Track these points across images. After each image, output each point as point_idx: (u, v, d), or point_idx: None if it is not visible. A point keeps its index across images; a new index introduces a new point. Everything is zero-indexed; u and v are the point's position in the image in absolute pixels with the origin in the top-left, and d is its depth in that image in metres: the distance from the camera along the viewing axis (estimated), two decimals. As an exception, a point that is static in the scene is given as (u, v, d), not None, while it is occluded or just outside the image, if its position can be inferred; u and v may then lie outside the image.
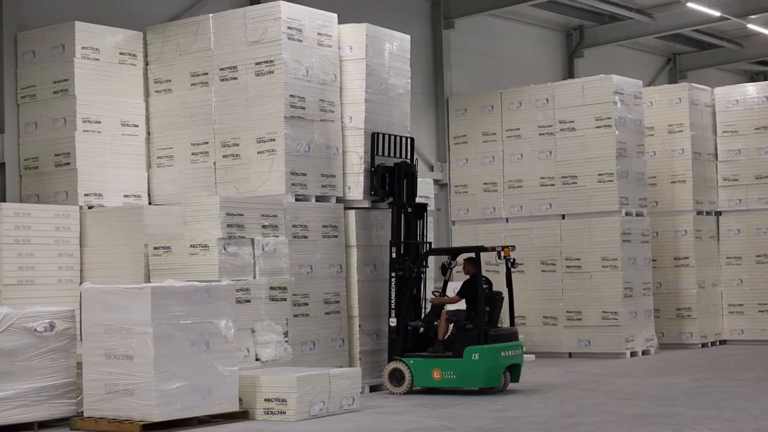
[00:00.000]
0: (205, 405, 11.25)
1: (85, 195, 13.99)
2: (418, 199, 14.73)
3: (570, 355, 18.52)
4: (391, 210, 14.28)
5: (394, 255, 14.05)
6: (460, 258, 14.33)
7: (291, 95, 13.76)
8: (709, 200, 20.64)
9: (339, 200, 14.34)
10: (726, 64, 28.13)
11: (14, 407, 11.02)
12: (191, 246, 12.63)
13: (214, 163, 14.27)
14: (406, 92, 15.27)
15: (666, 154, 20.38)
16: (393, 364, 13.77)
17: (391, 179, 14.26)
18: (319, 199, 14.05)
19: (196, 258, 12.56)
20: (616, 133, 18.21)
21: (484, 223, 19.63)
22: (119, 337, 11.05)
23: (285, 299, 13.11)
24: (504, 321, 14.76)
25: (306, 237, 13.73)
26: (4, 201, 13.98)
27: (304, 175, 13.85)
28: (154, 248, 12.99)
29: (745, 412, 11.42)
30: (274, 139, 13.71)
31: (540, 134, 18.95)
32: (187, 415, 11.09)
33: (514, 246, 14.26)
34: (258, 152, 13.85)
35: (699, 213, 20.31)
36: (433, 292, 14.45)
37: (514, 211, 19.29)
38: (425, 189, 16.04)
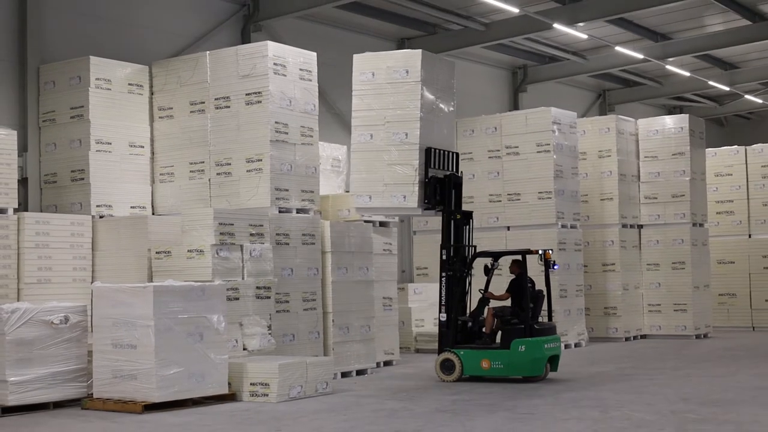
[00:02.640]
0: (199, 388, 11.21)
1: (97, 206, 13.90)
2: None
3: (513, 346, 18.50)
4: (441, 216, 13.87)
5: (444, 257, 13.60)
6: (502, 259, 14.09)
7: (276, 122, 13.72)
8: (632, 215, 20.73)
9: (313, 211, 14.31)
10: (648, 99, 28.33)
11: (33, 389, 10.96)
12: (188, 251, 12.55)
13: (209, 180, 14.20)
14: (452, 112, 14.60)
15: (596, 175, 20.45)
16: (444, 355, 13.34)
17: (442, 189, 13.74)
18: (299, 211, 14.00)
19: (192, 261, 12.48)
20: (554, 157, 18.26)
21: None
22: (125, 329, 11.00)
23: (269, 297, 13.05)
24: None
25: (288, 244, 13.68)
26: (27, 210, 13.86)
27: (287, 190, 13.80)
28: (156, 252, 12.91)
29: (662, 396, 11.45)
30: (261, 160, 13.65)
31: (489, 157, 18.96)
32: (183, 396, 11.04)
33: (552, 249, 14.06)
34: (247, 171, 13.79)
35: (624, 226, 20.38)
36: (480, 290, 13.95)
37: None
38: (391, 203, 16.05)
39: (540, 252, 13.74)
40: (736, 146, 23.82)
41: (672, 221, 20.64)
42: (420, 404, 11.15)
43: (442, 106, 14.27)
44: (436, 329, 18.27)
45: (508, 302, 13.71)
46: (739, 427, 9.22)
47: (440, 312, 13.55)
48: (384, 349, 15.60)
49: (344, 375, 14.19)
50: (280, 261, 13.43)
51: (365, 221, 15.30)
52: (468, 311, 13.83)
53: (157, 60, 15.09)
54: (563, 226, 18.43)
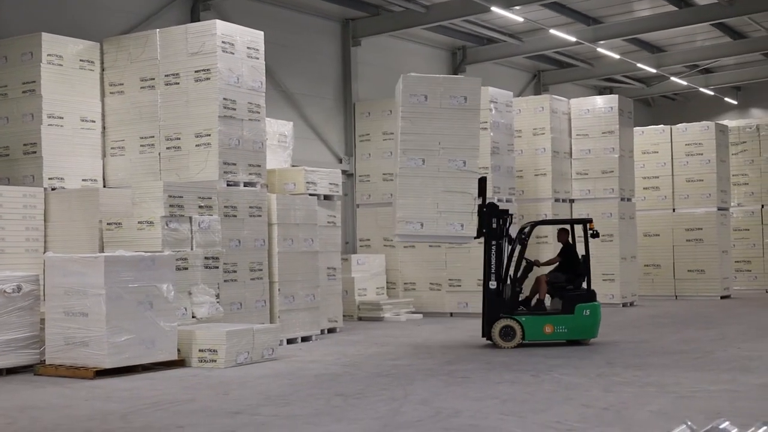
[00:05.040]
0: (149, 354, 11.14)
1: (49, 179, 13.68)
2: (329, 187, 15.59)
3: (451, 314, 18.66)
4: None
5: (494, 225, 13.07)
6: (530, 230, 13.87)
7: (224, 98, 13.61)
8: (564, 190, 20.94)
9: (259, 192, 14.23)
10: (580, 80, 28.54)
11: (-14, 356, 10.82)
12: (139, 222, 12.45)
13: (159, 154, 14.05)
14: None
15: (531, 152, 20.62)
16: (504, 322, 13.01)
17: (490, 216, 13.11)
18: (246, 184, 13.92)
19: (142, 232, 12.38)
20: (491, 134, 18.35)
21: (383, 207, 19.62)
22: (77, 297, 10.89)
23: (217, 267, 13.00)
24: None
25: (235, 216, 13.61)
26: (-20, 183, 13.65)
27: (235, 164, 13.71)
28: (108, 224, 12.78)
29: (590, 360, 11.63)
30: (209, 135, 13.55)
31: (430, 134, 18.95)
32: (134, 363, 10.98)
33: (591, 220, 13.99)
34: (196, 145, 13.67)
35: (557, 200, 20.59)
36: (525, 259, 13.61)
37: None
38: (335, 178, 16.05)
39: (586, 222, 13.85)
40: (662, 125, 24.17)
41: (601, 196, 20.91)
42: (362, 369, 11.20)
43: (480, 131, 13.70)
44: (377, 298, 18.48)
45: (554, 269, 13.84)
46: (662, 388, 9.40)
47: (489, 280, 13.17)
48: (328, 317, 15.64)
49: (290, 342, 14.19)
50: (228, 232, 13.36)
51: (310, 194, 15.29)
52: (509, 279, 13.48)
53: (108, 37, 14.86)
54: (500, 200, 18.48)
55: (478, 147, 13.13)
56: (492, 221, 13.14)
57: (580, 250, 13.87)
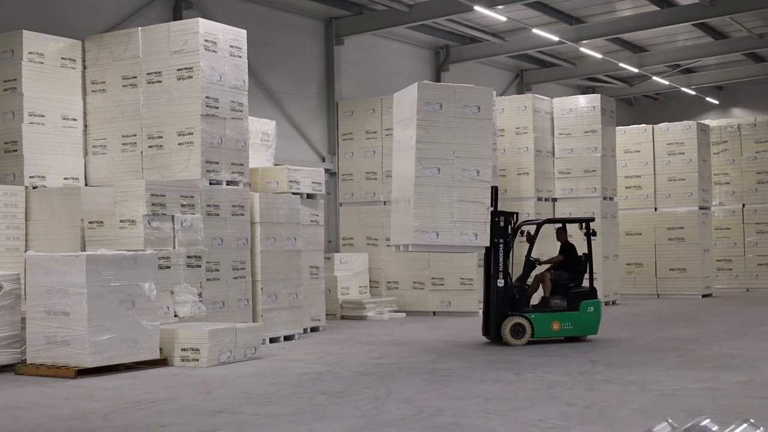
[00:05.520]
0: (131, 354, 11.10)
1: (30, 177, 13.61)
2: (312, 186, 15.51)
3: (434, 313, 18.67)
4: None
5: (502, 224, 13.07)
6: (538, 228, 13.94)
7: (207, 96, 13.56)
8: (547, 189, 20.98)
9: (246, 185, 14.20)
10: (563, 79, 28.62)
11: (-34, 355, 10.75)
12: (121, 221, 12.40)
13: (141, 152, 14.00)
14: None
15: (514, 151, 20.65)
16: (514, 319, 13.02)
17: (498, 224, 13.12)
18: (229, 183, 13.88)
19: (124, 231, 12.34)
20: (474, 133, 18.33)
21: (366, 205, 19.66)
22: (58, 296, 10.84)
23: (200, 266, 12.96)
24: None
25: (218, 214, 13.58)
26: (-40, 181, 13.56)
27: (217, 163, 13.68)
28: (89, 222, 12.72)
29: (572, 359, 11.65)
30: (192, 133, 13.50)
31: (413, 133, 18.94)
32: (116, 362, 10.94)
33: (593, 219, 14.32)
34: (178, 144, 13.63)
35: (539, 199, 20.63)
36: (531, 258, 13.68)
37: (390, 196, 19.26)
38: (318, 176, 16.03)
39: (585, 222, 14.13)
40: (644, 125, 24.24)
41: (584, 195, 20.96)
42: (345, 368, 11.18)
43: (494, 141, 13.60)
44: (360, 297, 18.48)
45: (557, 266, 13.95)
46: (643, 386, 9.43)
47: (497, 278, 13.18)
48: (311, 316, 15.62)
49: (272, 340, 14.16)
50: (210, 231, 13.32)
51: (293, 193, 15.27)
52: (513, 278, 13.59)
53: (89, 35, 14.79)
54: (482, 199, 18.53)
55: (491, 157, 13.09)
56: (500, 220, 13.19)
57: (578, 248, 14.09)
